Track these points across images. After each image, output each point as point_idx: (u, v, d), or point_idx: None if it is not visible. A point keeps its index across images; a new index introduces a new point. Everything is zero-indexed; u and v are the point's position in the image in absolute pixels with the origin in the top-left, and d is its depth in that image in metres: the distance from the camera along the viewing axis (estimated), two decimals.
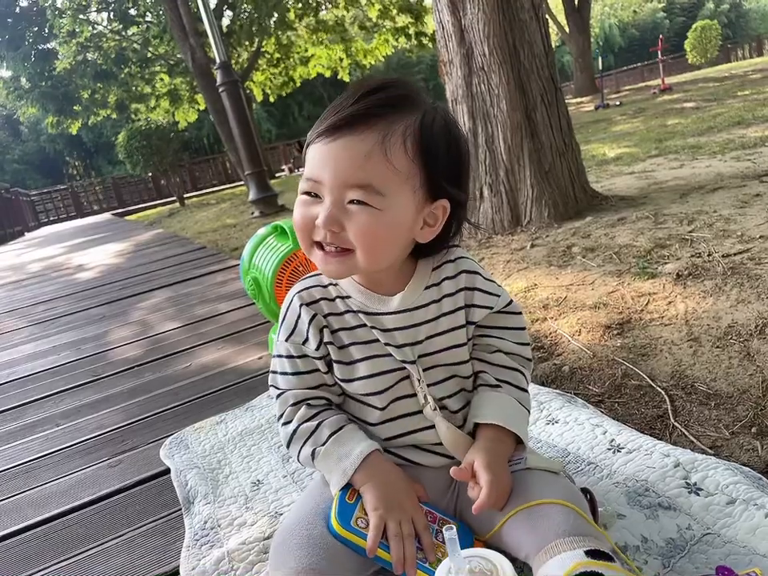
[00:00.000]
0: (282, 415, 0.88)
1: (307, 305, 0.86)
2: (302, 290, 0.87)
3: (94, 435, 1.60)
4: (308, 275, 0.91)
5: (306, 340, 0.85)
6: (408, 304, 0.84)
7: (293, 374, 0.87)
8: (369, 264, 0.77)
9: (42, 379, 2.21)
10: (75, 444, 1.57)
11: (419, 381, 0.84)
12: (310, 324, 0.84)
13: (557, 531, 0.69)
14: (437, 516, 0.81)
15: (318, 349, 0.85)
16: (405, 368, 0.84)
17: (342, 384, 0.87)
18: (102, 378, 2.08)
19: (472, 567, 0.61)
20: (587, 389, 1.37)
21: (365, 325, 0.84)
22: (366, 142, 0.72)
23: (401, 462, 0.87)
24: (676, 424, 1.15)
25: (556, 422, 1.15)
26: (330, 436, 0.84)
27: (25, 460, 1.54)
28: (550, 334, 1.69)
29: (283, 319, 0.88)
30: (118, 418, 1.69)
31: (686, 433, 1.12)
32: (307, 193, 0.78)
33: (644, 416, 1.21)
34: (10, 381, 2.27)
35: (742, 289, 1.64)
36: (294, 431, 0.86)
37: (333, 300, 0.86)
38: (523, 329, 0.93)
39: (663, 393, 1.27)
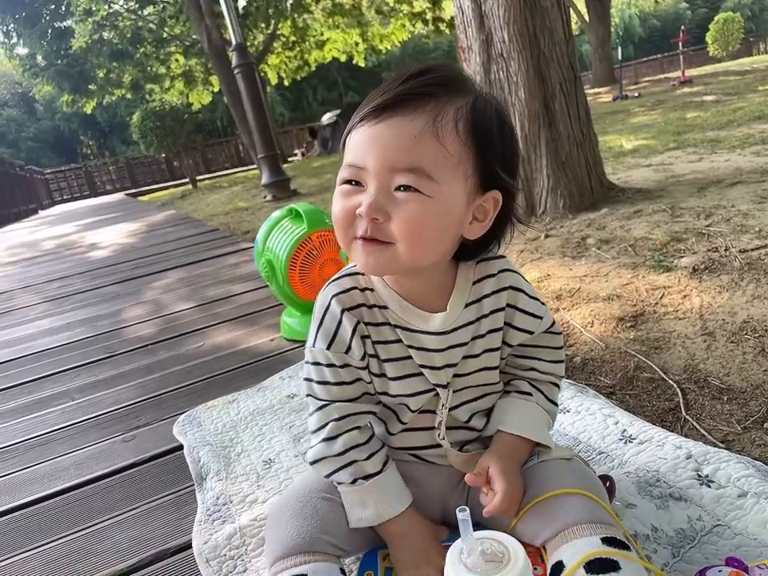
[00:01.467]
0: (322, 428, 0.81)
1: (348, 310, 0.78)
2: (341, 293, 0.79)
3: (108, 410, 1.63)
4: (343, 273, 0.82)
5: (350, 349, 0.78)
6: (449, 324, 0.78)
7: (335, 383, 0.80)
8: (411, 258, 0.70)
9: (57, 354, 2.24)
10: (90, 418, 1.60)
11: (443, 405, 0.81)
12: (353, 333, 0.77)
13: (574, 518, 0.70)
14: None
15: (363, 359, 0.78)
16: (434, 390, 0.81)
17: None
18: (117, 354, 2.11)
19: (484, 549, 0.62)
20: (598, 380, 1.37)
21: (400, 341, 0.78)
22: (415, 122, 0.67)
23: (410, 460, 0.86)
24: (688, 417, 1.15)
25: (567, 411, 1.15)
26: (372, 475, 0.80)
27: (41, 432, 1.57)
28: (563, 324, 1.69)
29: (320, 324, 0.79)
30: (133, 394, 1.71)
31: (698, 426, 1.12)
32: (348, 182, 0.71)
33: (655, 408, 1.21)
34: (27, 355, 2.30)
35: (759, 284, 1.63)
36: (340, 453, 0.80)
37: (371, 308, 0.79)
38: (561, 348, 0.87)
39: (675, 386, 1.26)
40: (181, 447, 1.33)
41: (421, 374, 0.79)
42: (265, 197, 6.82)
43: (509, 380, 0.87)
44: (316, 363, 0.80)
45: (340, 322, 0.78)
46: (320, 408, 0.81)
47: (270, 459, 1.19)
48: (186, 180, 13.05)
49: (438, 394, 0.81)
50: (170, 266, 3.65)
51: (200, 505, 1.08)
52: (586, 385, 1.31)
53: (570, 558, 0.67)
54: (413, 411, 0.82)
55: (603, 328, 1.61)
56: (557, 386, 0.87)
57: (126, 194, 15.54)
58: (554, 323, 0.85)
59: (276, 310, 2.25)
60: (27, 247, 6.48)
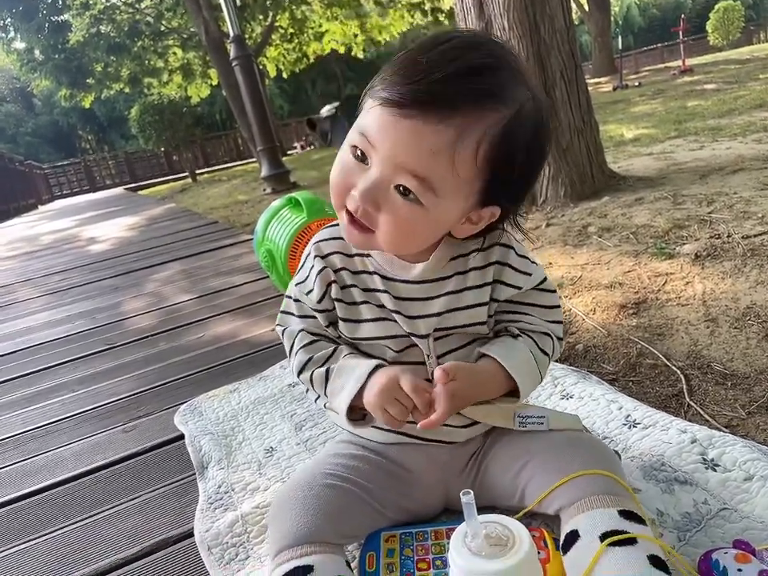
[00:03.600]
0: (291, 346, 0.87)
1: (321, 257, 0.83)
2: (320, 241, 0.84)
3: (109, 401, 1.62)
4: (330, 224, 0.87)
5: (311, 291, 0.83)
6: (429, 275, 0.79)
7: (299, 316, 0.87)
8: (389, 249, 0.74)
9: (57, 347, 2.23)
10: (91, 409, 1.59)
11: (428, 356, 0.81)
12: (316, 277, 0.82)
13: (592, 488, 0.70)
14: None
15: (319, 302, 0.83)
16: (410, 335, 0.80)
17: (349, 341, 0.85)
18: (117, 346, 2.10)
19: (488, 532, 0.61)
20: (601, 367, 1.36)
21: (377, 290, 0.81)
22: (436, 136, 0.64)
23: (411, 441, 0.85)
24: (691, 403, 1.15)
25: (571, 397, 1.15)
26: (344, 356, 0.83)
27: (41, 423, 1.56)
28: (565, 312, 1.68)
29: (301, 266, 0.87)
30: (133, 385, 1.70)
31: (702, 412, 1.11)
32: (354, 147, 0.70)
33: (659, 395, 1.20)
34: (27, 348, 2.29)
35: (762, 270, 1.62)
36: (310, 358, 0.84)
37: (351, 256, 0.83)
38: (556, 307, 0.86)
39: (679, 372, 1.26)
40: (181, 437, 1.32)
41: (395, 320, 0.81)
42: (264, 189, 6.80)
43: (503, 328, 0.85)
44: (288, 296, 0.89)
45: (312, 267, 0.83)
46: (284, 331, 0.89)
47: (271, 447, 1.19)
48: (186, 174, 13.03)
49: (416, 345, 0.81)
50: (170, 259, 3.64)
51: (201, 493, 1.07)
52: (588, 372, 1.30)
53: (587, 528, 0.66)
54: (396, 351, 0.82)
55: (605, 315, 1.60)
56: (550, 337, 0.84)
57: (126, 189, 15.50)
58: (545, 280, 0.84)
59: (276, 300, 2.24)
60: (27, 241, 6.47)
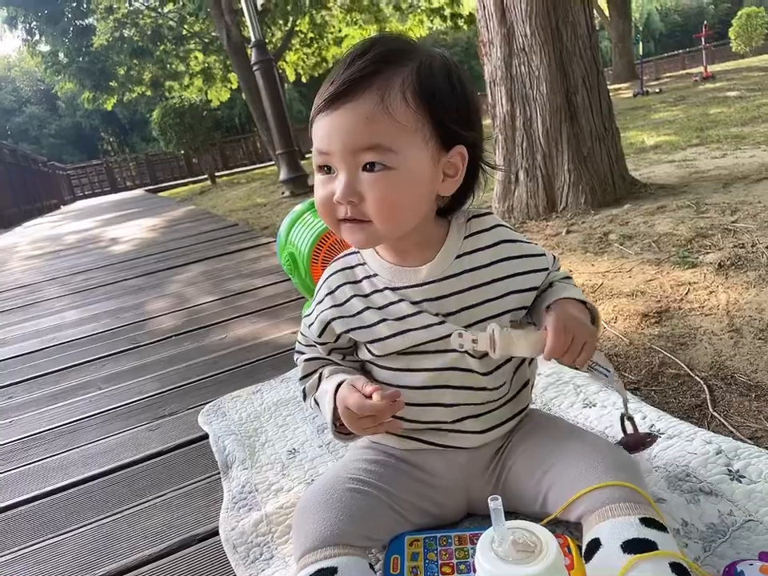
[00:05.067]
0: (300, 377, 0.96)
1: (330, 293, 0.87)
2: (330, 275, 0.89)
3: (134, 399, 1.65)
4: (339, 256, 0.91)
5: (312, 324, 0.89)
6: (437, 274, 0.81)
7: (305, 345, 0.95)
8: (389, 231, 0.76)
9: (83, 345, 2.28)
10: (117, 407, 1.63)
11: (460, 335, 0.79)
12: (318, 315, 0.88)
13: (613, 496, 0.70)
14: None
15: (319, 336, 0.89)
16: (442, 339, 0.81)
17: (380, 361, 0.86)
18: (142, 345, 2.14)
19: (516, 538, 0.62)
20: (623, 376, 1.36)
21: (391, 303, 0.82)
22: (365, 104, 0.71)
23: (428, 447, 0.87)
24: (715, 414, 1.14)
25: (593, 406, 1.15)
26: (320, 379, 0.90)
27: (69, 421, 1.59)
28: None
29: (313, 300, 0.91)
30: (158, 384, 1.73)
31: (725, 423, 1.10)
32: (321, 168, 0.77)
33: (681, 405, 1.20)
34: (54, 345, 2.34)
35: None
36: (304, 389, 0.93)
37: (359, 282, 0.86)
38: (569, 278, 0.91)
39: (702, 382, 1.25)
40: (205, 437, 1.34)
41: (419, 327, 0.81)
42: (283, 193, 6.85)
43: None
44: (303, 334, 0.95)
45: (320, 302, 0.89)
46: (297, 359, 0.97)
47: (294, 449, 1.20)
48: (205, 176, 13.15)
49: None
50: (192, 260, 3.69)
51: (226, 493, 1.09)
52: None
53: (609, 536, 0.67)
54: (426, 345, 0.82)
55: (627, 324, 1.59)
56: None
57: (146, 190, 15.70)
58: (555, 258, 0.91)
59: (297, 303, 2.27)
60: (51, 241, 6.58)
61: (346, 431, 0.84)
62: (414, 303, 0.81)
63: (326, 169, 0.76)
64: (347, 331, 0.86)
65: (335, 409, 0.82)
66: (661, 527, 0.67)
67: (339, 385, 0.82)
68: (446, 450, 0.87)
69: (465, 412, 0.85)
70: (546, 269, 0.86)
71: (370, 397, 0.75)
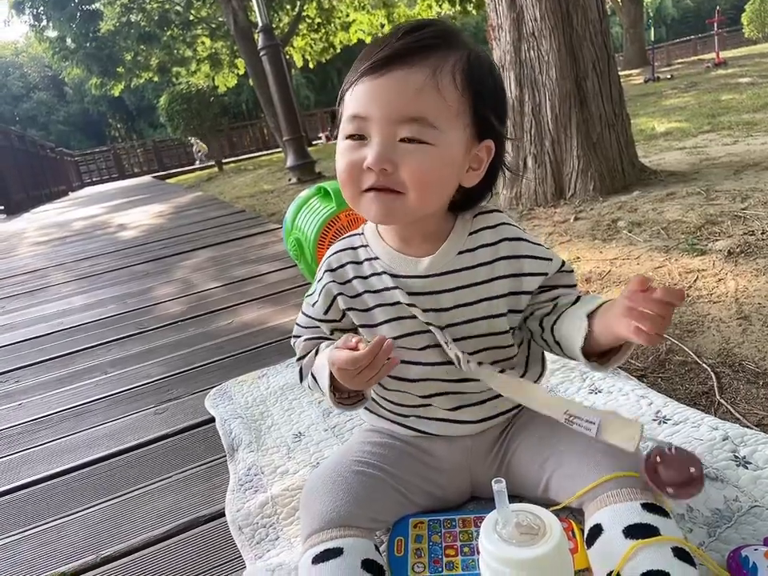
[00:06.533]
0: (297, 357, 0.93)
1: (330, 270, 0.86)
2: (332, 255, 0.88)
3: (140, 383, 1.66)
4: (344, 236, 0.90)
5: (316, 302, 0.87)
6: (437, 268, 0.80)
7: (304, 327, 0.93)
8: (421, 205, 0.74)
9: (90, 330, 2.29)
10: (123, 391, 1.64)
11: (446, 344, 0.79)
12: (321, 291, 0.86)
13: (614, 481, 0.70)
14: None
15: (325, 313, 0.87)
16: (430, 331, 0.80)
17: None
18: (148, 330, 2.15)
19: (519, 521, 0.62)
20: (629, 362, 1.35)
21: (388, 288, 0.82)
22: (418, 75, 0.70)
23: (432, 437, 0.87)
24: (722, 401, 1.13)
25: (599, 392, 1.14)
26: (316, 354, 0.88)
27: (76, 404, 1.61)
28: None
29: (315, 280, 0.90)
30: (164, 368, 1.74)
31: (732, 410, 1.10)
32: (351, 136, 0.74)
33: (688, 392, 1.19)
34: (61, 330, 2.36)
35: None
36: (301, 368, 0.91)
37: (361, 263, 0.85)
38: (576, 286, 0.86)
39: (709, 369, 1.24)
40: (209, 421, 1.35)
41: (414, 316, 0.81)
42: (290, 179, 6.83)
43: (551, 300, 0.82)
44: (305, 314, 0.92)
45: (320, 280, 0.88)
46: (294, 342, 0.94)
47: (299, 433, 1.21)
48: (212, 162, 13.14)
49: (438, 345, 0.81)
50: (198, 246, 3.69)
51: (232, 475, 1.10)
52: (617, 367, 1.29)
53: (610, 522, 0.67)
54: (418, 350, 0.82)
55: None
56: None
57: (154, 177, 15.71)
58: (564, 263, 0.84)
59: (303, 288, 2.26)
60: (59, 227, 6.61)
61: (347, 399, 0.83)
62: (410, 294, 0.81)
63: (357, 136, 0.74)
64: (348, 309, 0.85)
65: (332, 376, 0.78)
66: (663, 512, 0.67)
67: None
68: (449, 437, 0.87)
69: (461, 401, 0.85)
70: (546, 274, 0.82)
71: (356, 350, 0.72)
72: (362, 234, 0.88)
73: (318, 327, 0.90)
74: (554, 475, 0.78)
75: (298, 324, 0.94)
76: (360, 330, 0.85)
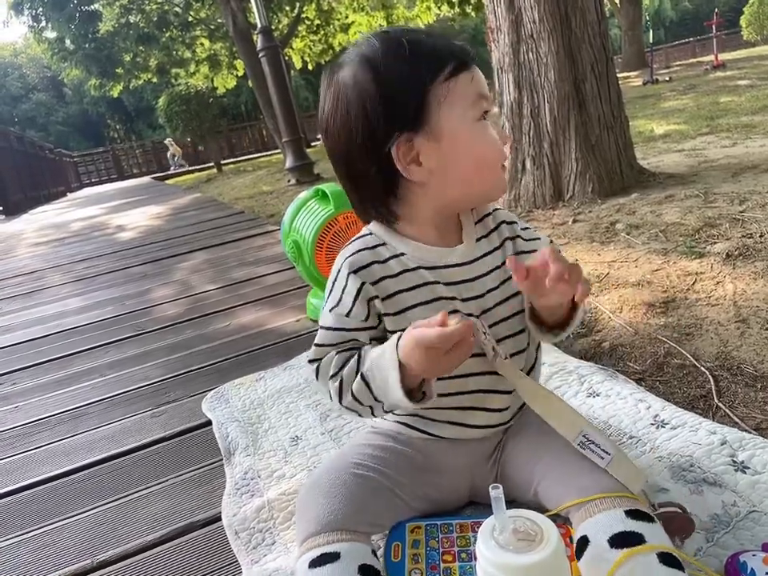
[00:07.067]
0: (326, 378, 0.81)
1: (355, 272, 0.79)
2: (351, 255, 0.81)
3: (138, 386, 1.66)
4: (353, 239, 0.85)
5: (350, 310, 0.79)
6: (469, 255, 0.82)
7: (334, 345, 0.82)
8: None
9: (87, 332, 2.29)
10: (120, 394, 1.63)
11: (485, 334, 0.78)
12: (357, 296, 0.78)
13: (595, 489, 0.70)
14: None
15: (366, 320, 0.79)
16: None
17: None
18: (145, 332, 2.14)
19: (517, 527, 0.61)
20: (627, 366, 1.35)
21: (427, 283, 0.79)
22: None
23: (436, 440, 0.86)
24: (720, 404, 1.13)
25: (597, 395, 1.14)
26: (359, 360, 0.78)
27: (73, 407, 1.60)
28: (591, 309, 1.67)
29: (331, 289, 0.82)
30: (161, 371, 1.74)
31: (730, 413, 1.09)
32: (485, 113, 0.77)
33: (686, 395, 1.19)
34: (58, 332, 2.35)
35: None
36: (341, 381, 0.79)
37: (385, 261, 0.80)
38: None
39: (707, 373, 1.24)
40: (206, 424, 1.35)
41: (453, 311, 0.79)
42: (289, 181, 6.83)
43: None
44: (323, 327, 0.82)
45: (345, 286, 0.80)
46: (319, 365, 0.82)
47: (296, 436, 1.20)
48: (211, 164, 13.13)
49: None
50: (197, 248, 3.69)
51: (228, 479, 1.09)
52: (615, 371, 1.29)
53: (595, 533, 0.67)
54: None
55: (633, 314, 1.58)
56: None
57: (153, 178, 15.70)
58: (551, 241, 0.91)
59: (301, 291, 2.26)
60: (57, 228, 6.60)
61: (417, 394, 0.74)
62: (448, 285, 0.80)
63: (484, 115, 0.78)
64: (383, 315, 0.80)
65: (401, 367, 0.71)
66: (648, 518, 0.67)
67: (398, 341, 0.72)
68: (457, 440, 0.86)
69: (484, 402, 0.85)
70: (535, 250, 0.86)
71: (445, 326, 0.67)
72: (372, 234, 0.84)
73: (355, 339, 0.80)
74: (540, 484, 0.78)
75: (320, 344, 0.82)
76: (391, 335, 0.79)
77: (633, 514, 0.67)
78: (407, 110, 0.74)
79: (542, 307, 0.77)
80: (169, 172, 16.42)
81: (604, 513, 0.68)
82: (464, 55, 0.76)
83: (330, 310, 0.81)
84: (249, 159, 14.89)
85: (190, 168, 16.18)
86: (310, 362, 0.83)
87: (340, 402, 0.80)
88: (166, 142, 17.69)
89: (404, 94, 0.74)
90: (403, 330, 0.74)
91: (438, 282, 0.80)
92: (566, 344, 1.50)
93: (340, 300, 0.80)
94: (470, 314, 0.80)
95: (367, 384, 0.76)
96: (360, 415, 0.82)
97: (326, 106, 0.79)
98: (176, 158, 17.20)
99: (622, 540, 0.64)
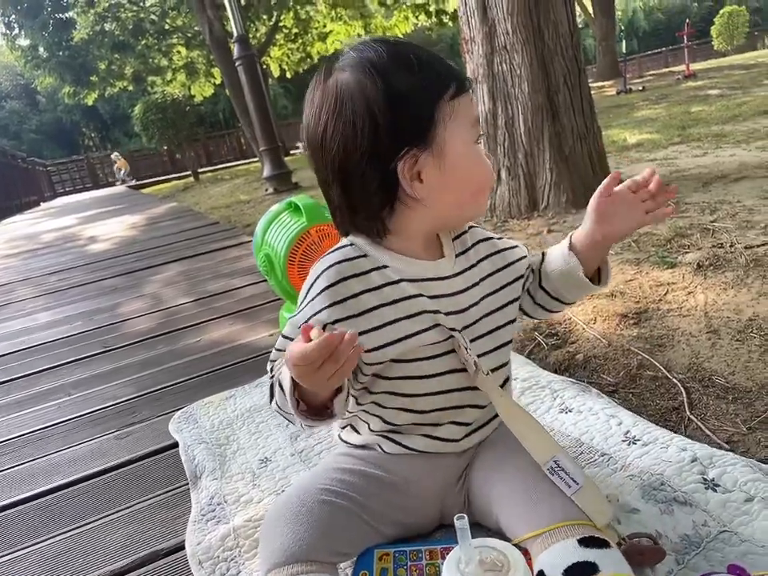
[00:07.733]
0: (270, 376, 0.81)
1: (330, 286, 0.75)
2: (329, 268, 0.77)
3: (104, 406, 1.61)
4: (331, 250, 0.80)
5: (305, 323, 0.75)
6: (449, 270, 0.81)
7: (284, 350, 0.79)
8: None
9: (54, 348, 2.23)
10: (86, 414, 1.59)
11: (467, 350, 0.78)
12: (315, 314, 0.75)
13: (549, 518, 0.69)
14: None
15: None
16: (450, 338, 0.78)
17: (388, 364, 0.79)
18: (114, 349, 2.09)
19: (483, 558, 0.60)
20: (601, 378, 1.35)
21: (409, 296, 0.77)
22: None
23: (411, 453, 0.84)
24: (692, 417, 1.13)
25: (570, 411, 1.13)
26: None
27: (37, 428, 1.55)
28: (564, 321, 1.67)
29: (302, 299, 0.79)
30: (129, 389, 1.69)
31: (702, 426, 1.09)
32: (479, 137, 0.78)
33: (659, 407, 1.19)
34: (25, 348, 2.29)
35: (765, 281, 1.60)
36: (272, 383, 0.79)
37: (366, 273, 0.77)
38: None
39: (679, 385, 1.24)
40: (175, 445, 1.31)
41: (435, 326, 0.77)
42: (266, 190, 6.78)
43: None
44: (284, 336, 0.79)
45: (312, 300, 0.77)
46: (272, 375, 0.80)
47: (266, 458, 1.17)
48: (188, 172, 13.01)
49: (454, 350, 0.79)
50: (171, 259, 3.63)
51: (194, 504, 1.06)
52: (588, 383, 1.29)
53: (550, 567, 0.65)
54: (436, 357, 0.79)
55: (606, 325, 1.58)
56: None
57: (129, 187, 15.50)
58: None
59: (275, 304, 2.23)
60: (28, 239, 6.46)
61: (312, 412, 0.73)
62: (432, 299, 0.78)
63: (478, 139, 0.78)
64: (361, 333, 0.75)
65: (294, 382, 0.69)
66: (601, 543, 0.66)
67: None
68: (430, 455, 0.85)
69: (461, 417, 0.84)
70: (525, 256, 0.90)
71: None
72: (353, 245, 0.80)
73: None
74: (501, 512, 0.77)
75: (277, 349, 0.81)
76: (381, 350, 0.77)
77: (586, 542, 0.65)
78: (419, 126, 0.71)
79: (605, 236, 0.85)
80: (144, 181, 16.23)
81: (560, 543, 0.66)
82: (463, 77, 0.76)
83: (290, 317, 0.80)
84: (226, 167, 14.79)
85: (167, 177, 16.03)
86: (269, 363, 0.83)
87: (270, 404, 0.81)
88: (112, 156, 17.58)
89: (416, 109, 0.71)
90: (386, 345, 0.76)
91: (422, 295, 0.78)
92: (541, 356, 1.50)
93: (301, 311, 0.78)
94: (452, 329, 0.78)
95: (282, 392, 0.73)
96: (290, 422, 0.79)
97: (319, 111, 0.73)
98: (122, 172, 17.03)
99: (576, 572, 0.63)
